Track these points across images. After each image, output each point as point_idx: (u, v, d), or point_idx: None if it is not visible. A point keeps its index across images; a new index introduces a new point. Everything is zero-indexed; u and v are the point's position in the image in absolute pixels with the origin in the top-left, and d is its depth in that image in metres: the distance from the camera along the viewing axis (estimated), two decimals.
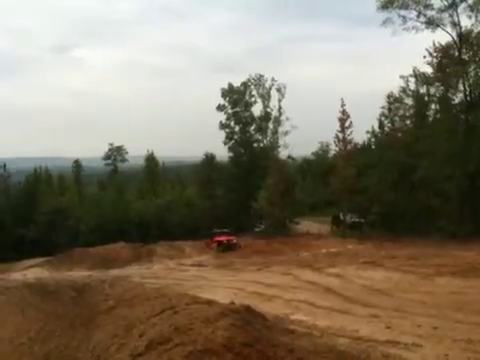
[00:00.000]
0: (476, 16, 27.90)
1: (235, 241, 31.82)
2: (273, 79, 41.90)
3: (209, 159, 42.45)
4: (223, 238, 32.06)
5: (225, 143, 42.63)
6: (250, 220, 36.62)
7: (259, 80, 42.57)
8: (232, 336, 6.15)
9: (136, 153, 52.03)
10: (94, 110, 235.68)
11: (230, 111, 42.67)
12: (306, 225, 35.56)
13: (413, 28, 29.18)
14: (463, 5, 28.06)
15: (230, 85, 42.57)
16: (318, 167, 39.83)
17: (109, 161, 48.73)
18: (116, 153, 48.06)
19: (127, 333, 8.25)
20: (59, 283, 18.57)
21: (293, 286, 15.64)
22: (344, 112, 33.63)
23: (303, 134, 44.05)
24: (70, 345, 9.55)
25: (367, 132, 35.97)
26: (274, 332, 8.05)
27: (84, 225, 39.85)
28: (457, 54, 29.16)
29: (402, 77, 32.46)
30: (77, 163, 51.83)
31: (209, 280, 18.41)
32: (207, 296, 10.44)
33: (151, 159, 46.47)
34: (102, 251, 29.18)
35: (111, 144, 47.90)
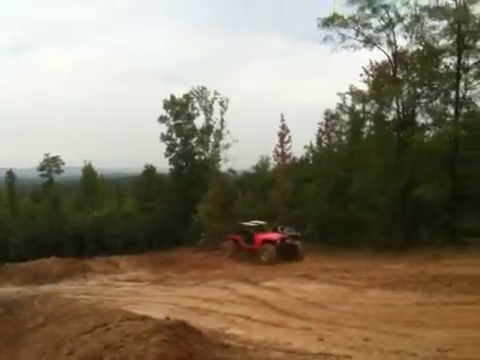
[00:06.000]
0: (411, 36, 29.30)
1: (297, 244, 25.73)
2: (216, 92, 42.10)
3: (149, 171, 41.87)
4: (274, 237, 26.18)
5: (166, 155, 42.28)
6: (190, 233, 36.31)
7: (202, 92, 42.61)
8: (164, 352, 6.10)
9: (73, 164, 50.48)
10: (34, 117, 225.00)
11: (172, 123, 42.39)
12: None
13: (351, 46, 29.99)
14: (399, 25, 29.32)
15: (172, 97, 42.31)
16: (258, 180, 40.19)
17: (44, 172, 46.85)
18: (52, 164, 46.30)
19: (56, 351, 8.01)
20: None
21: (230, 300, 15.70)
22: (283, 127, 34.25)
23: (245, 147, 44.32)
24: None
25: (305, 147, 36.78)
26: (209, 347, 8.05)
27: (16, 238, 38.10)
28: (392, 73, 30.47)
29: (339, 94, 33.49)
30: (10, 173, 49.61)
31: (145, 296, 18.10)
32: (142, 312, 10.29)
33: (88, 170, 45.23)
34: (33, 266, 27.94)
35: (47, 154, 46.15)
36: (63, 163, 47.39)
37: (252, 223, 27.70)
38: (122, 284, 22.17)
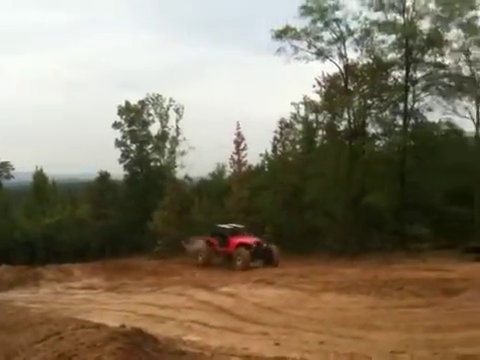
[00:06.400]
0: (361, 50, 30.33)
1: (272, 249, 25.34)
2: (171, 99, 41.95)
3: (103, 177, 41.17)
4: (248, 240, 25.63)
5: (121, 161, 41.78)
6: (146, 240, 35.88)
7: (157, 99, 42.37)
8: None
9: (24, 169, 48.89)
10: None
11: (126, 129, 41.95)
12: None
13: (304, 58, 30.76)
14: (350, 39, 30.32)
15: (127, 103, 41.94)
16: (214, 188, 40.21)
17: None
18: (1, 169, 44.75)
19: None
20: None
21: (186, 306, 15.58)
22: (239, 135, 34.54)
23: (202, 155, 44.10)
24: None
25: (261, 155, 37.19)
26: (165, 354, 7.98)
27: None
28: (343, 85, 31.35)
29: (293, 104, 34.23)
30: None
31: (99, 303, 17.68)
32: (97, 320, 10.09)
33: (39, 176, 43.96)
34: None
35: None
36: (13, 168, 45.95)
37: (228, 226, 27.07)
38: (76, 292, 21.56)
